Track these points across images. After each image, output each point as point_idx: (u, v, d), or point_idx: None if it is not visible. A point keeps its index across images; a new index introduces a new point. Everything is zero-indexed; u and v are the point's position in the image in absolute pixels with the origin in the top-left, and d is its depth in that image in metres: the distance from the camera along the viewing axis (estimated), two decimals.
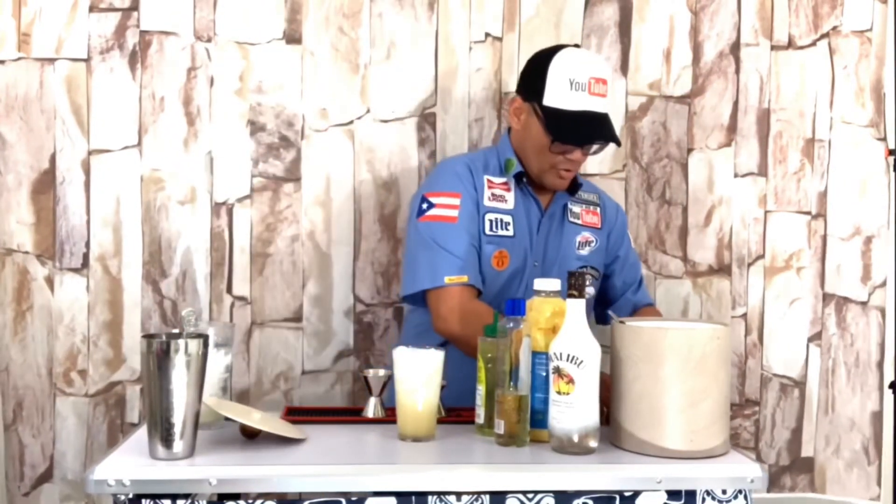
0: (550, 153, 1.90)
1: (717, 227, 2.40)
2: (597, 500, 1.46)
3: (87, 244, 2.19)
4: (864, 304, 2.44)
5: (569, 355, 1.51)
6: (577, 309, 1.54)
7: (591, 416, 1.52)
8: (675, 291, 2.39)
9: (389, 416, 1.71)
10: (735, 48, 2.38)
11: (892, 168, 2.41)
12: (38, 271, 2.18)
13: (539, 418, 1.57)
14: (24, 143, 2.17)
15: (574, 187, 2.02)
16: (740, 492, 1.47)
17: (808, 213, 2.42)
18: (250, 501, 1.48)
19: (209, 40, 2.21)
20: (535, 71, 1.91)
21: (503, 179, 1.97)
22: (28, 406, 2.18)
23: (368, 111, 2.27)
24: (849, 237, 2.42)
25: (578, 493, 1.45)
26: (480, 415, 1.63)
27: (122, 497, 1.38)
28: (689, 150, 2.39)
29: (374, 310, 2.28)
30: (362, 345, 2.28)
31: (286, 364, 2.26)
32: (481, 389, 1.62)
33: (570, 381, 1.51)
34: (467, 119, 2.30)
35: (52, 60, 2.17)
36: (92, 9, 2.17)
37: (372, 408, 1.77)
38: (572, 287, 1.55)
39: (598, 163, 2.33)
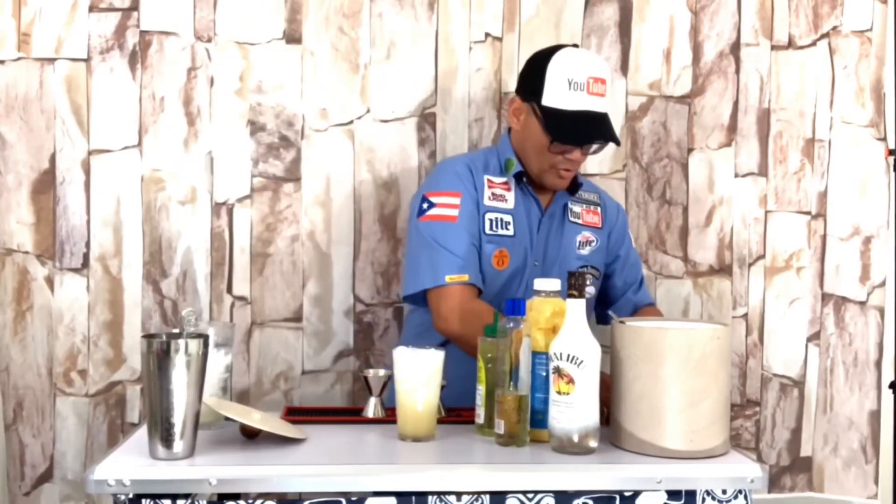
0: (550, 153, 1.90)
1: (717, 227, 2.40)
2: (597, 500, 1.46)
3: (88, 244, 2.19)
4: (862, 303, 2.44)
5: (569, 355, 1.51)
6: (577, 309, 1.54)
7: (591, 416, 1.52)
8: (675, 292, 2.39)
9: (389, 416, 1.71)
10: (735, 48, 2.38)
11: (892, 168, 2.41)
12: (39, 271, 2.18)
13: (539, 418, 1.57)
14: (24, 143, 2.17)
15: (574, 187, 2.02)
16: (740, 492, 1.47)
17: (809, 213, 2.42)
18: (250, 501, 1.48)
19: (209, 40, 2.21)
20: (534, 71, 1.91)
21: (503, 179, 1.98)
22: (28, 406, 2.18)
23: (368, 111, 2.27)
24: (848, 237, 2.42)
25: (578, 493, 1.45)
26: (480, 415, 1.63)
27: (122, 497, 1.38)
28: (690, 150, 2.39)
29: (374, 310, 2.28)
30: (362, 345, 2.28)
31: (286, 364, 2.26)
32: (481, 389, 1.62)
33: (570, 381, 1.51)
34: (467, 119, 2.30)
35: (52, 60, 2.17)
36: (92, 9, 2.17)
37: (372, 408, 1.77)
38: (572, 287, 1.55)
39: (598, 163, 2.33)
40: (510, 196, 1.97)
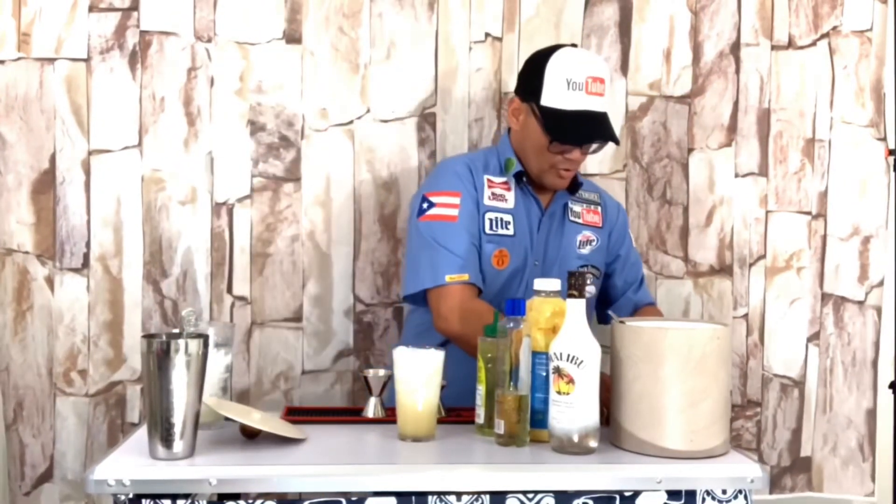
0: (549, 153, 1.90)
1: (718, 227, 2.39)
2: (597, 500, 1.46)
3: (88, 244, 2.19)
4: (860, 303, 2.44)
5: (569, 355, 1.51)
6: (577, 309, 1.55)
7: (591, 416, 1.52)
8: (676, 292, 2.39)
9: (389, 416, 1.71)
10: (735, 48, 2.38)
11: (891, 168, 2.41)
12: (39, 271, 2.18)
13: (539, 418, 1.57)
14: (24, 143, 2.17)
15: (574, 186, 2.02)
16: (740, 492, 1.48)
17: (809, 213, 2.42)
18: (250, 501, 1.48)
19: (209, 40, 2.21)
20: (533, 71, 1.91)
21: (503, 179, 1.98)
22: (28, 406, 2.18)
23: (368, 111, 2.27)
24: (848, 237, 2.42)
25: (578, 493, 1.45)
26: (480, 415, 1.63)
27: (122, 497, 1.38)
28: (690, 150, 2.39)
29: (374, 310, 2.28)
30: (362, 345, 2.28)
31: (286, 364, 2.26)
32: (481, 389, 1.63)
33: (570, 381, 1.51)
34: (467, 119, 2.30)
35: (51, 60, 2.17)
36: (92, 9, 2.17)
37: (372, 408, 1.77)
38: (572, 287, 1.55)
39: (599, 163, 2.33)
40: (510, 196, 1.97)
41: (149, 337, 1.47)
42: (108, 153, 2.20)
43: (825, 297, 2.43)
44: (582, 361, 1.51)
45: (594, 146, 1.94)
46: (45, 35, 2.16)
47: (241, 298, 2.24)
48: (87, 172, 2.19)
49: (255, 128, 2.23)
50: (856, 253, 2.42)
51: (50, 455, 2.19)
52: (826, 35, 2.39)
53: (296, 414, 1.79)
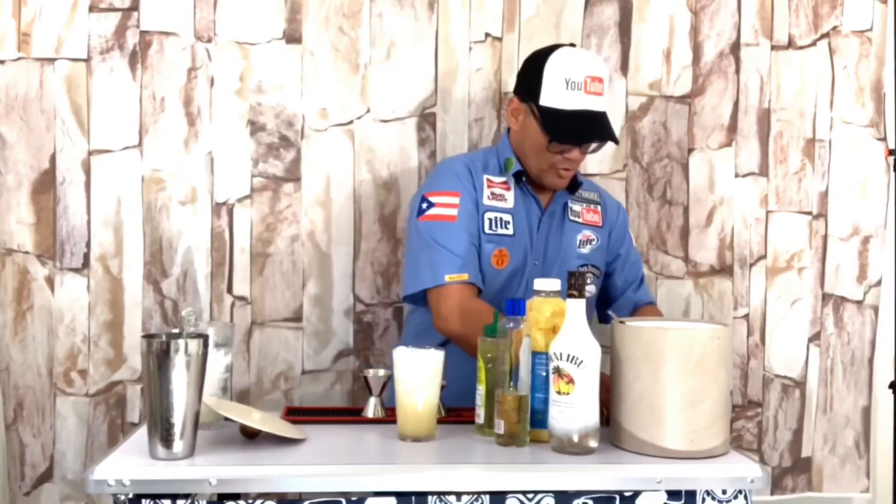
0: (549, 153, 1.90)
1: (718, 227, 2.39)
2: (597, 500, 1.46)
3: (88, 244, 2.19)
4: (859, 303, 2.44)
5: (569, 355, 1.51)
6: (577, 309, 1.54)
7: (591, 416, 1.52)
8: (676, 292, 2.38)
9: (389, 416, 1.71)
10: (735, 48, 2.38)
11: (892, 168, 2.41)
12: (39, 271, 2.18)
13: (539, 418, 1.57)
14: (24, 143, 2.17)
15: (574, 186, 2.02)
16: (740, 492, 1.47)
17: (810, 213, 2.41)
18: (250, 501, 1.48)
19: (209, 40, 2.21)
20: (531, 71, 1.91)
21: (503, 179, 1.98)
22: (28, 406, 2.18)
23: (368, 111, 2.27)
24: (848, 237, 2.42)
25: (578, 493, 1.45)
26: (480, 415, 1.63)
27: (122, 497, 1.38)
28: (690, 150, 2.39)
29: (373, 310, 2.28)
30: (362, 344, 2.28)
31: (286, 364, 2.26)
32: (481, 389, 1.62)
33: (570, 381, 1.51)
34: (467, 119, 2.30)
35: (52, 60, 2.17)
36: (92, 9, 2.17)
37: (372, 408, 1.77)
38: (572, 287, 1.55)
39: (599, 163, 2.33)
40: (510, 195, 1.97)
41: (149, 337, 1.47)
42: (108, 153, 2.20)
43: (826, 298, 2.43)
44: (582, 361, 1.51)
45: (593, 145, 1.94)
46: (45, 35, 2.16)
47: (242, 298, 2.24)
48: (88, 172, 2.19)
49: (255, 128, 2.23)
50: (856, 253, 2.42)
51: (50, 455, 2.19)
52: (826, 35, 2.39)
53: (296, 414, 1.79)
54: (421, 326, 1.97)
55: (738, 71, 2.38)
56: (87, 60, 2.18)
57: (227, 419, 1.59)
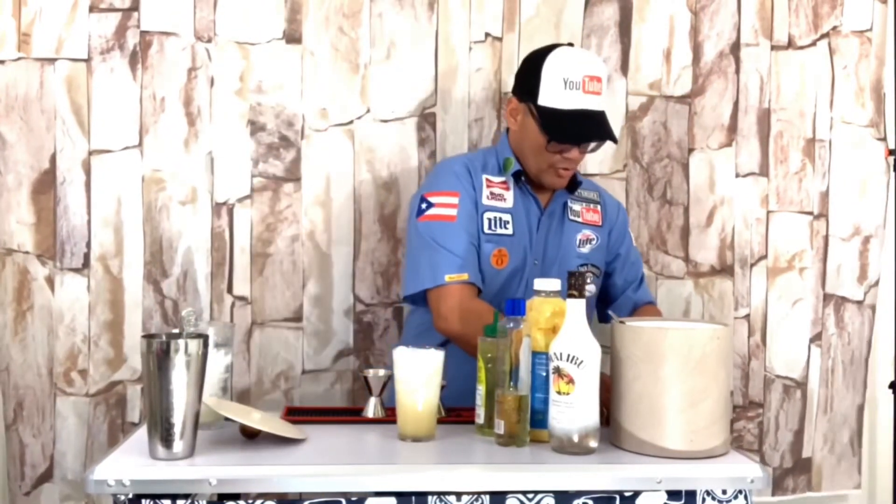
0: (548, 153, 1.90)
1: (719, 227, 2.39)
2: (597, 500, 1.46)
3: (88, 244, 2.19)
4: (859, 303, 2.44)
5: (569, 355, 1.51)
6: (577, 309, 1.54)
7: (591, 416, 1.52)
8: (676, 292, 2.38)
9: (389, 416, 1.71)
10: (735, 48, 2.38)
11: (891, 168, 2.41)
12: (39, 271, 2.18)
13: (539, 418, 1.57)
14: (25, 143, 2.17)
15: (573, 185, 2.02)
16: (740, 492, 1.47)
17: (811, 213, 2.41)
18: (250, 501, 1.48)
19: (209, 40, 2.21)
20: (529, 71, 1.91)
21: (502, 178, 1.98)
22: (28, 406, 2.18)
23: (368, 111, 2.27)
24: (849, 237, 2.42)
25: (578, 493, 1.45)
26: (480, 415, 1.63)
27: (122, 497, 1.38)
28: (690, 150, 2.39)
29: (373, 309, 2.28)
30: (362, 344, 2.28)
31: (286, 364, 2.26)
32: (481, 389, 1.63)
33: (570, 381, 1.51)
34: (467, 119, 2.30)
35: (52, 60, 2.17)
36: (92, 9, 2.17)
37: (372, 408, 1.77)
38: (572, 287, 1.55)
39: (599, 163, 2.33)
40: (509, 195, 1.97)
41: (149, 337, 1.47)
42: (108, 153, 2.20)
43: (827, 298, 2.42)
44: (582, 361, 1.51)
45: (592, 145, 1.94)
46: (45, 35, 2.16)
47: (242, 298, 2.24)
48: (88, 172, 2.19)
49: (255, 128, 2.23)
50: (856, 253, 2.42)
51: (50, 455, 2.19)
52: (826, 35, 2.39)
53: (296, 414, 1.79)
54: (421, 326, 1.97)
55: (738, 71, 2.38)
56: (88, 60, 2.18)
57: (227, 419, 1.60)
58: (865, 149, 2.41)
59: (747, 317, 2.40)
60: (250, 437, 1.59)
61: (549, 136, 1.88)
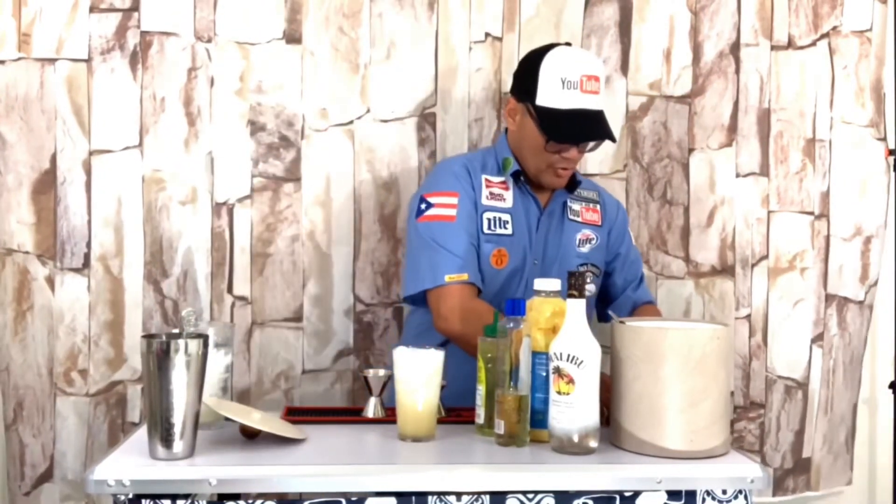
0: (546, 152, 1.90)
1: (719, 227, 2.39)
2: (597, 500, 1.46)
3: (89, 244, 2.19)
4: (860, 303, 2.44)
5: (569, 355, 1.51)
6: (577, 309, 1.54)
7: (591, 416, 1.52)
8: (677, 292, 2.38)
9: (389, 416, 1.71)
10: (735, 48, 2.38)
11: (892, 168, 2.41)
12: (39, 271, 2.18)
13: (539, 418, 1.57)
14: (25, 143, 2.17)
15: (572, 185, 2.02)
16: (740, 492, 1.47)
17: (812, 213, 2.41)
18: (250, 501, 1.48)
19: (209, 40, 2.21)
20: (527, 71, 1.91)
21: (501, 178, 1.98)
22: (28, 406, 2.18)
23: (368, 111, 2.27)
24: (850, 237, 2.42)
25: (578, 493, 1.45)
26: (480, 415, 1.63)
27: (122, 497, 1.38)
28: (690, 150, 2.39)
29: (373, 309, 2.28)
30: (362, 344, 2.28)
31: (286, 363, 2.26)
32: (481, 389, 1.63)
33: (570, 381, 1.51)
34: (467, 119, 2.30)
35: (52, 61, 2.17)
36: (92, 9, 2.17)
37: (372, 408, 1.77)
38: (572, 287, 1.55)
39: (599, 163, 2.33)
40: (508, 195, 1.97)
41: (149, 337, 1.47)
42: (108, 153, 2.20)
43: (829, 299, 2.42)
44: (582, 361, 1.51)
45: (591, 144, 1.94)
46: (45, 35, 2.16)
47: (242, 298, 2.24)
48: (88, 172, 2.19)
49: (255, 128, 2.23)
50: (858, 253, 2.42)
51: (50, 455, 2.19)
52: (826, 35, 2.39)
53: (296, 414, 1.79)
54: (421, 326, 1.97)
55: (738, 71, 2.38)
56: (88, 61, 2.18)
57: (227, 419, 1.60)
58: (865, 149, 2.41)
59: (748, 317, 2.40)
60: (250, 437, 1.59)
61: (547, 136, 1.88)
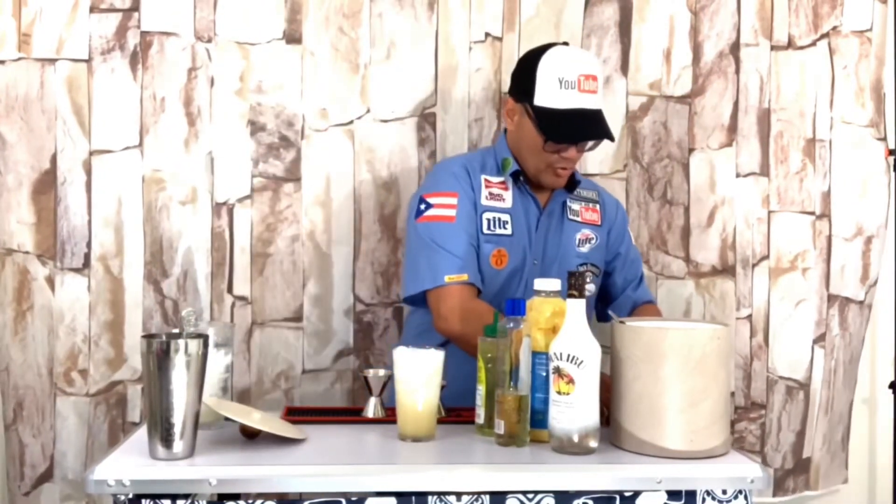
0: (545, 152, 1.90)
1: (719, 227, 2.39)
2: (597, 500, 1.46)
3: (89, 244, 2.19)
4: (860, 303, 2.43)
5: (569, 355, 1.51)
6: (577, 309, 1.54)
7: (591, 416, 1.52)
8: (677, 292, 2.38)
9: (389, 416, 1.71)
10: (735, 48, 2.38)
11: (892, 168, 2.41)
12: (39, 271, 2.18)
13: (539, 418, 1.57)
14: (25, 143, 2.17)
15: (572, 184, 2.02)
16: (740, 492, 1.47)
17: (813, 213, 2.40)
18: (250, 501, 1.48)
19: (209, 40, 2.21)
20: (525, 72, 1.91)
21: (500, 179, 1.98)
22: (28, 406, 2.18)
23: (368, 111, 2.27)
24: (852, 237, 2.42)
25: (578, 493, 1.45)
26: (480, 415, 1.63)
27: (122, 497, 1.38)
28: (691, 150, 2.38)
29: (373, 309, 2.28)
30: (362, 344, 2.28)
31: (286, 363, 2.26)
32: (481, 389, 1.63)
33: (570, 381, 1.51)
34: (467, 119, 2.30)
35: (52, 61, 2.17)
36: (93, 9, 2.17)
37: (372, 408, 1.77)
38: (572, 287, 1.55)
39: (599, 163, 2.33)
40: (508, 195, 1.97)
41: (149, 337, 1.47)
42: (109, 153, 2.20)
43: (831, 299, 2.41)
44: (582, 361, 1.51)
45: (590, 144, 1.94)
46: (45, 35, 2.16)
47: (242, 298, 2.24)
48: (88, 172, 2.19)
49: (256, 128, 2.23)
50: (859, 253, 2.42)
51: (50, 455, 2.19)
52: (826, 35, 2.39)
53: (296, 414, 1.79)
54: (421, 326, 1.97)
55: (737, 71, 2.38)
56: (88, 61, 2.18)
57: (227, 419, 1.60)
58: (866, 149, 2.41)
59: (749, 317, 2.40)
60: (250, 437, 1.59)
61: (545, 136, 1.88)
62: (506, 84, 2.27)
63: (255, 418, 1.59)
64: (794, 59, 2.39)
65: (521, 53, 2.23)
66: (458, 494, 1.43)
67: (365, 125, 2.26)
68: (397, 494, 1.42)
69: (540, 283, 1.63)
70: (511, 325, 1.57)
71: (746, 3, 2.37)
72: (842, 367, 2.43)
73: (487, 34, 2.30)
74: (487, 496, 1.44)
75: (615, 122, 2.25)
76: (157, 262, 2.21)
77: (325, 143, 2.25)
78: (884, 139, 2.42)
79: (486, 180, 1.96)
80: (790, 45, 2.39)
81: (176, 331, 1.56)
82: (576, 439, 1.51)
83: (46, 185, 2.18)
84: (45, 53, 2.16)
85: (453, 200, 1.91)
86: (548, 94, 1.87)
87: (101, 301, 2.19)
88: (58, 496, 2.19)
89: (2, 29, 2.15)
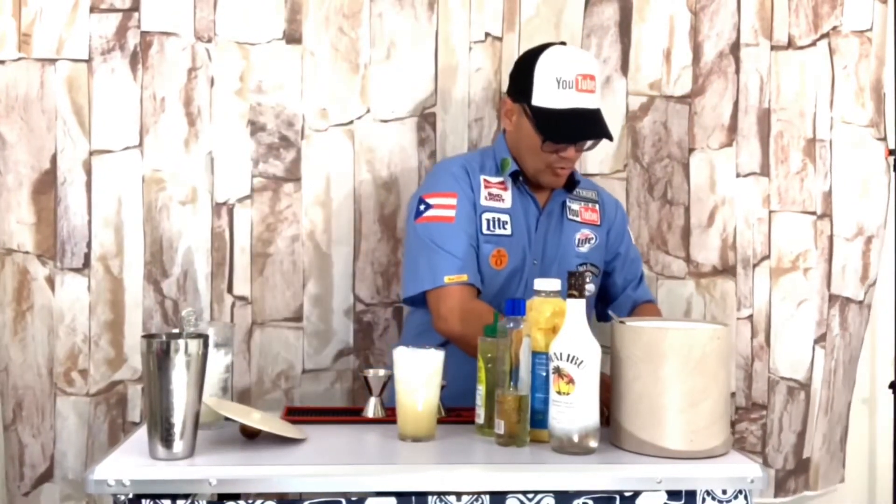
0: (544, 152, 1.90)
1: (720, 227, 2.38)
2: (597, 500, 1.46)
3: (89, 244, 2.19)
4: (860, 303, 2.43)
5: (569, 355, 1.51)
6: (577, 309, 1.54)
7: (591, 416, 1.52)
8: (677, 292, 2.38)
9: (389, 416, 1.71)
10: (735, 48, 2.38)
11: (892, 168, 2.41)
12: (39, 271, 2.18)
13: (539, 418, 1.57)
14: (25, 143, 2.17)
15: (571, 184, 2.02)
16: (740, 492, 1.47)
17: (813, 213, 2.40)
18: (250, 501, 1.48)
19: (209, 40, 2.21)
20: (522, 72, 1.91)
21: (500, 179, 1.98)
22: (28, 406, 2.18)
23: (368, 111, 2.27)
24: (853, 237, 2.42)
25: (578, 493, 1.45)
26: (480, 415, 1.63)
27: (122, 497, 1.38)
28: (691, 150, 2.38)
29: (373, 309, 2.28)
30: (362, 344, 2.28)
31: (287, 363, 2.26)
32: (481, 389, 1.63)
33: (570, 381, 1.51)
34: (467, 119, 2.30)
35: (52, 61, 2.17)
36: (93, 9, 2.18)
37: (372, 408, 1.77)
38: (572, 287, 1.55)
39: (599, 163, 2.33)
40: (507, 196, 1.97)
41: (149, 337, 1.47)
42: (109, 153, 2.20)
43: (832, 299, 2.41)
44: (582, 361, 1.51)
45: (588, 143, 1.94)
46: (45, 35, 2.16)
47: (242, 298, 2.24)
48: (88, 172, 2.19)
49: (256, 128, 2.24)
50: (859, 253, 2.42)
51: (50, 455, 2.19)
52: (826, 35, 2.39)
53: (296, 414, 1.79)
54: (421, 327, 1.97)
55: (737, 71, 2.38)
56: (88, 61, 2.18)
57: (227, 419, 1.60)
58: (866, 149, 2.40)
59: (750, 317, 2.39)
60: (250, 437, 1.59)
61: (544, 136, 1.88)
62: (506, 84, 2.27)
63: (255, 418, 1.59)
64: (794, 59, 2.39)
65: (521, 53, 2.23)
66: (458, 494, 1.43)
67: (365, 125, 2.26)
68: (397, 494, 1.42)
69: (540, 283, 1.63)
70: (511, 325, 1.57)
71: (746, 3, 2.37)
72: (841, 367, 2.43)
73: (487, 34, 2.30)
74: (487, 496, 1.44)
75: (615, 122, 2.25)
76: (157, 262, 2.21)
77: (325, 143, 2.25)
78: (884, 139, 2.41)
79: (485, 180, 1.96)
80: (790, 45, 2.39)
81: (176, 331, 1.56)
82: (576, 439, 1.51)
83: (46, 185, 2.18)
84: (45, 53, 2.16)
85: (452, 201, 1.91)
86: (546, 94, 1.87)
87: (101, 301, 2.19)
88: (58, 496, 2.19)
89: (2, 29, 2.15)
